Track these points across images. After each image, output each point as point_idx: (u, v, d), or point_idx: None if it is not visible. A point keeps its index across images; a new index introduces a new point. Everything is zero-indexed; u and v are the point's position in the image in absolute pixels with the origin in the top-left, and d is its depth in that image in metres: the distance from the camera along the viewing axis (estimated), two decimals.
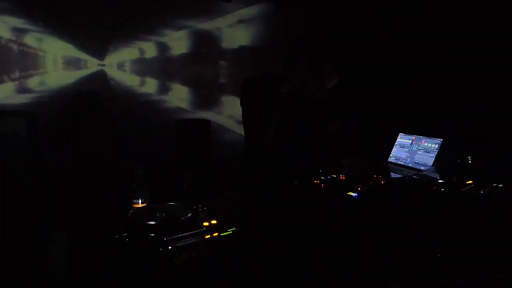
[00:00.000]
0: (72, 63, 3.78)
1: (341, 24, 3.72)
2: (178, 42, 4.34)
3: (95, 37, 3.76)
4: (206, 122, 4.07)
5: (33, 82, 3.57)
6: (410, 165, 2.77)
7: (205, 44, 4.45)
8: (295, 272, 2.00)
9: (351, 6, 3.68)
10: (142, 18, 3.97)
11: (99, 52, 3.85)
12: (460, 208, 2.15)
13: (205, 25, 4.37)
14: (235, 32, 4.53)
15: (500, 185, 2.27)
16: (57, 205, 3.07)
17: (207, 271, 1.63)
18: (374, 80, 3.46)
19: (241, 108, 2.14)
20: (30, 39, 3.51)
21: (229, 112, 4.59)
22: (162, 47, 4.28)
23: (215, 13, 4.41)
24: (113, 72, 4.02)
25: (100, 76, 3.88)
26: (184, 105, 4.46)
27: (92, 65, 3.86)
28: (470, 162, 2.59)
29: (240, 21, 4.50)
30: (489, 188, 2.24)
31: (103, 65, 3.96)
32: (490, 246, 2.11)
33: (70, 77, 3.79)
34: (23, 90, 3.52)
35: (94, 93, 3.76)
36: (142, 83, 4.23)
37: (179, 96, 4.41)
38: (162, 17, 4.16)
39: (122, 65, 4.08)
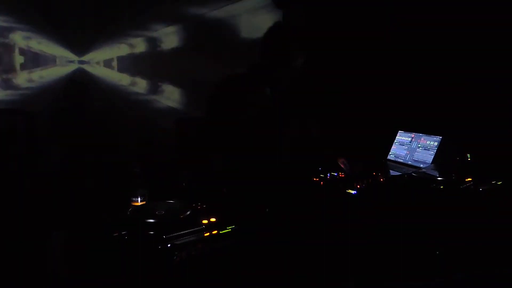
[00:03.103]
0: (58, 61, 3.78)
1: (340, 22, 3.71)
2: (171, 37, 4.32)
3: (85, 34, 3.74)
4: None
5: (20, 79, 3.57)
6: (409, 162, 2.77)
7: (201, 38, 4.41)
8: (292, 270, 2.00)
9: (350, 3, 3.67)
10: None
11: (89, 50, 3.85)
12: (459, 206, 2.15)
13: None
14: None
15: (499, 183, 2.27)
16: (56, 204, 3.07)
17: (206, 269, 1.63)
18: (373, 77, 3.45)
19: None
20: (16, 37, 3.52)
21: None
22: (156, 44, 4.27)
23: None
24: (110, 71, 4.02)
25: (98, 75, 3.88)
26: (181, 104, 4.46)
27: (88, 63, 3.87)
28: (469, 159, 2.59)
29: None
30: (488, 185, 2.25)
31: (97, 63, 3.97)
32: (489, 243, 2.11)
33: (56, 74, 3.79)
34: (8, 87, 3.52)
35: (92, 91, 3.76)
36: (141, 82, 4.24)
37: (175, 95, 4.41)
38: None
39: (118, 62, 4.08)
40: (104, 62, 4.02)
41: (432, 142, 2.71)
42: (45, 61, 3.75)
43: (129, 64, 4.20)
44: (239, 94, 2.24)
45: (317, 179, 2.38)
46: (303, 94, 2.60)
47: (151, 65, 4.30)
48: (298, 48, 2.23)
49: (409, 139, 2.89)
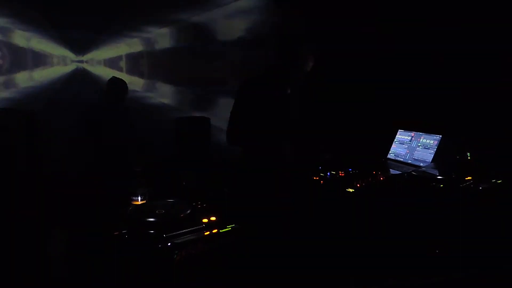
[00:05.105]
0: (58, 60, 3.79)
1: (339, 20, 3.71)
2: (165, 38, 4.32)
3: (82, 34, 3.76)
4: (205, 120, 4.08)
5: (17, 79, 3.59)
6: (409, 161, 2.78)
7: (198, 38, 4.42)
8: (293, 268, 2.00)
9: (349, 2, 3.67)
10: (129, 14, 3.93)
11: (88, 50, 3.86)
12: (459, 204, 2.15)
13: (197, 18, 4.32)
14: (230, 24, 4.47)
15: (499, 181, 2.27)
16: (56, 202, 3.08)
17: (206, 267, 1.63)
18: (373, 76, 3.46)
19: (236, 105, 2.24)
20: (13, 36, 3.53)
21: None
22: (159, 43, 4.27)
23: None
24: (111, 70, 4.02)
25: (98, 74, 3.88)
26: (182, 103, 4.46)
27: (87, 63, 3.88)
28: (469, 158, 2.59)
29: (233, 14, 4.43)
30: (488, 184, 2.25)
31: (98, 62, 3.97)
32: (489, 242, 2.11)
33: (56, 74, 3.80)
34: (9, 86, 3.54)
35: (89, 91, 3.76)
36: (146, 83, 4.24)
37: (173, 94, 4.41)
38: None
39: (116, 62, 4.09)
40: (104, 62, 4.03)
41: (432, 141, 2.72)
42: (45, 61, 3.76)
43: (129, 64, 4.20)
44: (266, 95, 2.29)
45: (317, 178, 2.38)
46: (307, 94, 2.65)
47: (152, 64, 4.30)
48: (309, 48, 2.33)
49: (409, 138, 2.89)
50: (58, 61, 3.82)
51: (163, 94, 4.44)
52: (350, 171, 2.48)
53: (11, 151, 3.04)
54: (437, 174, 2.41)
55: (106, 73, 3.97)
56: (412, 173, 2.46)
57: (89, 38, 3.87)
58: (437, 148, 2.65)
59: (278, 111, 2.32)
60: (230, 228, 1.70)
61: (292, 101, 2.45)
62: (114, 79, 3.39)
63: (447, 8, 2.97)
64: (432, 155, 2.65)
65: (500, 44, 2.73)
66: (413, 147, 2.82)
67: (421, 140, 2.79)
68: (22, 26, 3.57)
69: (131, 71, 4.21)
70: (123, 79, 3.46)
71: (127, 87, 3.43)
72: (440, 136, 2.68)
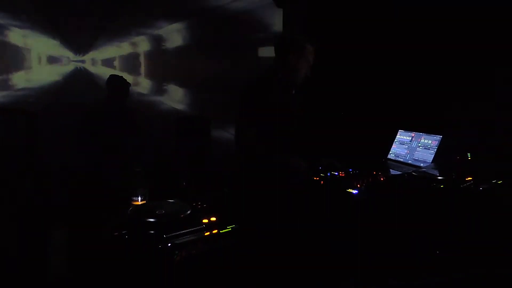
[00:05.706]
0: (58, 60, 3.79)
1: (340, 20, 3.71)
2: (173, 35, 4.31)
3: (82, 34, 3.75)
4: (206, 120, 4.07)
5: (17, 79, 3.59)
6: (409, 162, 2.77)
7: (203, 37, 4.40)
8: (293, 268, 2.00)
9: (351, 2, 3.67)
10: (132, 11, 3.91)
11: (87, 49, 3.86)
12: (459, 205, 2.15)
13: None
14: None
15: (500, 182, 2.27)
16: (56, 203, 3.08)
17: (206, 268, 1.63)
18: (373, 77, 3.45)
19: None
20: (13, 36, 3.53)
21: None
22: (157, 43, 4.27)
23: None
24: (111, 70, 4.02)
25: (98, 74, 3.88)
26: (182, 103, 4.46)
27: (86, 62, 3.89)
28: (469, 158, 2.59)
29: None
30: (489, 184, 2.24)
31: (98, 62, 3.97)
32: (489, 242, 2.11)
33: (56, 74, 3.80)
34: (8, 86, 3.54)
35: (90, 90, 3.75)
36: (145, 83, 4.24)
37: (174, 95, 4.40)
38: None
39: (116, 62, 4.09)
40: (104, 62, 4.03)
41: (432, 141, 2.71)
42: (45, 60, 3.76)
43: (129, 63, 4.20)
44: (271, 96, 2.27)
45: (317, 178, 2.38)
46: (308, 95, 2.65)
47: (152, 64, 4.30)
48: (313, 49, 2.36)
49: (409, 138, 2.89)
50: (57, 61, 3.82)
51: (163, 94, 4.44)
52: (350, 171, 2.48)
53: (11, 151, 3.03)
54: (438, 174, 2.41)
55: (106, 73, 3.97)
56: (412, 174, 2.46)
57: (89, 38, 3.87)
58: (437, 149, 2.65)
59: (290, 115, 2.32)
60: (230, 229, 1.70)
61: (297, 101, 2.44)
62: (112, 77, 3.38)
63: (447, 8, 2.97)
64: (433, 156, 2.64)
65: (500, 44, 2.73)
66: (413, 147, 2.81)
67: (422, 140, 2.79)
68: (22, 26, 3.57)
69: (131, 71, 4.21)
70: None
71: (127, 84, 3.42)
72: (441, 136, 2.68)
